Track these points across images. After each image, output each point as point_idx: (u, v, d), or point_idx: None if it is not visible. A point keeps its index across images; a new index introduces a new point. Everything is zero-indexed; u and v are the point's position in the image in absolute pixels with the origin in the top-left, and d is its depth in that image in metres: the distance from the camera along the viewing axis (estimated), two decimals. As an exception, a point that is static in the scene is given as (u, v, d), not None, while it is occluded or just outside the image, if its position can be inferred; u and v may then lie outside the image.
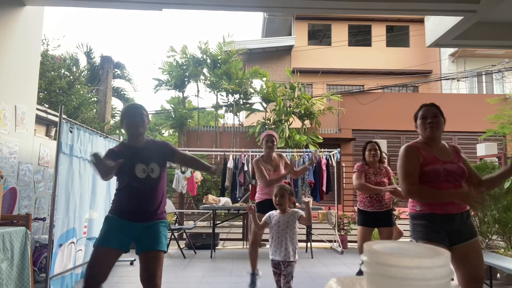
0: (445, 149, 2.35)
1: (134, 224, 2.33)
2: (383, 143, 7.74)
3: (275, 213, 2.99)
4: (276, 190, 2.97)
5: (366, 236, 3.88)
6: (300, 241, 6.68)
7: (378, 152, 3.94)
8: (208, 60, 12.59)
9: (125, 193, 2.38)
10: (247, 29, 72.78)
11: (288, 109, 11.48)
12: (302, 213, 2.95)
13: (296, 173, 3.87)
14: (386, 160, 4.12)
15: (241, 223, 7.32)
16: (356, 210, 4.13)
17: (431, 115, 2.32)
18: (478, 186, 2.31)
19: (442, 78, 14.89)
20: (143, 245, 2.31)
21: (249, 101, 12.58)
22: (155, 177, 2.37)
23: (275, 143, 3.83)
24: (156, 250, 2.30)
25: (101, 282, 2.22)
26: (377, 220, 3.86)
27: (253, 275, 3.70)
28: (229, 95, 12.34)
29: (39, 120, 7.01)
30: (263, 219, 3.04)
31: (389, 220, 3.86)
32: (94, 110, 12.03)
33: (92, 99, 12.19)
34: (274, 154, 3.90)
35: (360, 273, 3.96)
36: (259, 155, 6.91)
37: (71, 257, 3.94)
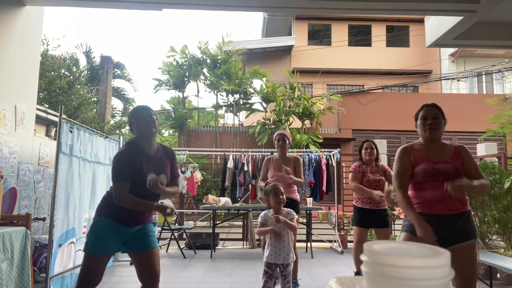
0: (443, 149, 2.33)
1: (128, 229, 2.32)
2: (383, 143, 7.73)
3: (269, 215, 2.93)
4: (272, 190, 2.91)
5: (362, 236, 3.91)
6: (300, 241, 6.70)
7: (375, 150, 3.97)
8: (208, 60, 12.59)
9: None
10: (247, 29, 72.79)
11: (288, 109, 11.48)
12: (295, 216, 2.95)
13: (299, 183, 3.79)
14: (381, 160, 4.14)
15: (241, 223, 7.31)
16: (353, 210, 4.14)
17: (432, 116, 2.30)
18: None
19: (442, 78, 14.89)
20: (138, 245, 2.32)
21: (249, 101, 12.59)
22: (162, 187, 2.31)
23: (287, 142, 3.81)
24: (155, 247, 2.37)
25: (95, 286, 2.25)
26: (373, 220, 3.87)
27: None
28: (229, 95, 12.35)
29: (39, 120, 7.01)
30: (260, 220, 2.96)
31: (385, 221, 3.87)
32: (94, 110, 12.03)
33: (92, 99, 12.19)
34: (290, 155, 3.86)
35: (357, 274, 3.97)
36: (259, 155, 6.94)
37: (70, 257, 3.94)
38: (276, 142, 3.84)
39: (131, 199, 2.22)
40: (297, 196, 3.82)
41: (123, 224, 2.28)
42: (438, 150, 2.32)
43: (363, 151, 4.01)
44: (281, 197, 2.89)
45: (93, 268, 2.20)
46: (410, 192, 2.34)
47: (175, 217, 6.97)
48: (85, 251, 2.25)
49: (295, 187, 3.83)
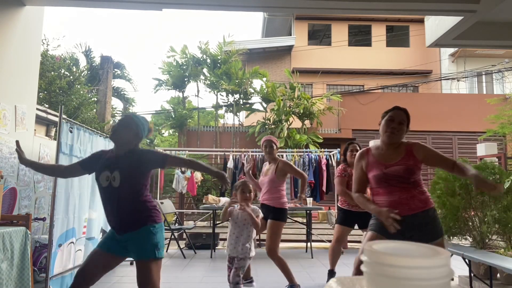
0: (397, 151, 2.33)
1: (123, 236, 2.29)
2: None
3: (236, 208, 3.04)
4: (241, 187, 3.01)
5: (343, 235, 3.95)
6: (300, 241, 6.70)
7: None
8: (208, 60, 12.59)
9: (103, 205, 2.38)
10: (247, 29, 72.79)
11: (288, 109, 11.48)
12: (260, 214, 3.03)
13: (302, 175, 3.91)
14: None
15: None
16: (337, 210, 4.18)
17: (398, 120, 2.30)
18: (453, 169, 2.28)
19: (442, 78, 14.88)
20: (133, 254, 2.31)
21: (249, 101, 12.58)
22: (116, 186, 2.24)
23: (274, 148, 3.81)
24: (144, 259, 2.23)
25: (89, 283, 2.22)
26: (358, 221, 3.89)
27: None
28: (229, 95, 12.34)
29: (39, 120, 7.01)
30: (228, 210, 3.08)
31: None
32: (94, 110, 12.03)
33: (92, 99, 12.18)
34: (277, 159, 3.86)
35: (330, 275, 4.00)
36: (259, 155, 6.94)
37: (70, 257, 3.94)
38: (263, 148, 3.86)
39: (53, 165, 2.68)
40: (279, 203, 3.71)
41: (116, 232, 2.33)
42: (392, 152, 2.32)
43: (348, 153, 4.03)
44: (247, 194, 2.97)
45: (88, 260, 2.27)
46: (373, 198, 2.39)
47: (175, 217, 6.98)
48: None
49: (280, 194, 3.76)
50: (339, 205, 4.07)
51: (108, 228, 2.60)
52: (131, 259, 5.03)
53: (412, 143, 2.36)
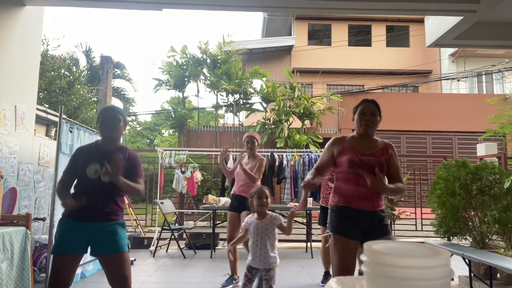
0: (373, 144, 2.39)
1: (86, 224, 2.25)
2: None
3: (252, 219, 2.85)
4: (257, 193, 2.85)
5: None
6: (300, 241, 6.70)
7: None
8: (208, 60, 12.59)
9: (76, 193, 2.32)
10: (247, 29, 72.79)
11: (288, 109, 11.48)
12: (282, 220, 2.84)
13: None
14: None
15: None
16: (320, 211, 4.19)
17: (370, 112, 2.37)
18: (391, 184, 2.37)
19: (442, 78, 14.89)
20: (101, 248, 2.25)
21: (249, 101, 12.58)
22: (106, 182, 2.24)
23: (256, 144, 4.01)
24: (118, 252, 2.24)
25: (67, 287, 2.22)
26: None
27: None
28: (229, 95, 12.34)
29: (39, 120, 7.01)
30: (243, 226, 2.90)
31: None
32: (94, 110, 12.03)
33: (92, 99, 12.19)
34: (256, 155, 4.04)
35: (326, 275, 4.01)
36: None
37: (71, 257, 3.94)
38: (245, 144, 4.04)
39: (58, 189, 2.34)
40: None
41: (77, 219, 2.26)
42: (368, 144, 2.39)
43: None
44: (264, 200, 2.80)
45: (57, 268, 2.19)
46: (336, 184, 2.40)
47: (175, 217, 6.98)
48: (51, 253, 2.28)
49: (251, 184, 3.90)
50: (323, 205, 4.05)
51: None
52: (132, 258, 5.06)
53: (389, 143, 2.44)
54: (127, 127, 2.61)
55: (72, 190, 2.39)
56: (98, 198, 2.28)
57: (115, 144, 2.41)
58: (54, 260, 2.21)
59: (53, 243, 2.28)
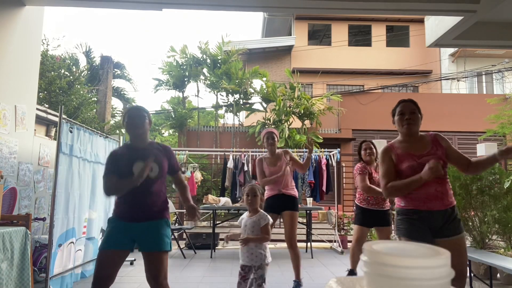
0: (422, 142, 2.34)
1: (134, 225, 2.32)
2: (383, 143, 7.73)
3: (245, 216, 2.91)
4: (247, 190, 2.90)
5: (363, 235, 3.93)
6: (300, 241, 6.68)
7: (374, 150, 3.98)
8: (208, 60, 12.59)
9: (124, 195, 2.37)
10: (247, 29, 72.78)
11: (288, 109, 11.48)
12: (269, 221, 2.84)
13: (303, 166, 3.84)
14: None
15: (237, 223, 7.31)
16: (355, 209, 4.14)
17: (409, 111, 2.34)
18: (468, 168, 2.29)
19: (442, 78, 14.88)
20: (145, 246, 2.31)
21: (249, 101, 12.58)
22: (154, 177, 2.36)
23: (276, 140, 3.81)
24: (158, 251, 2.30)
25: (108, 285, 2.26)
26: (376, 219, 3.88)
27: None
28: (229, 95, 12.34)
29: (39, 120, 7.01)
30: (238, 221, 2.97)
31: (387, 219, 3.89)
32: (94, 110, 12.03)
33: (92, 99, 12.18)
34: (278, 151, 3.88)
35: (350, 273, 4.00)
36: (259, 155, 6.94)
37: (70, 257, 3.94)
38: (265, 140, 3.83)
39: (113, 183, 2.32)
40: (296, 192, 3.85)
41: (123, 219, 2.34)
42: (419, 144, 2.34)
43: (362, 152, 4.01)
44: (249, 198, 2.84)
45: (101, 263, 2.26)
46: None
47: (175, 217, 6.98)
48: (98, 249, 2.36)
49: (293, 184, 3.90)
50: (357, 203, 4.00)
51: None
52: (131, 259, 5.06)
53: (433, 133, 2.39)
54: (150, 125, 2.67)
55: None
56: (148, 197, 2.35)
57: (145, 141, 2.46)
58: (99, 255, 2.29)
59: (102, 241, 2.34)
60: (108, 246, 2.28)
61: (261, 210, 2.90)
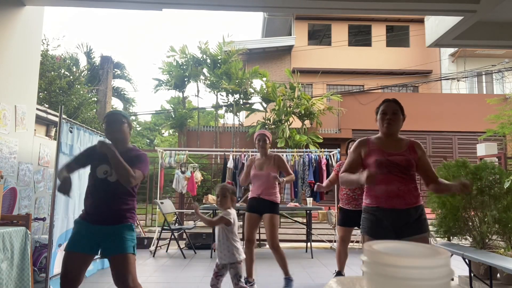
0: (399, 143, 2.38)
1: (97, 228, 2.32)
2: (383, 143, 7.73)
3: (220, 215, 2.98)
4: (217, 190, 2.97)
5: (346, 235, 3.98)
6: (300, 241, 6.70)
7: None
8: (208, 60, 12.59)
9: (88, 195, 2.40)
10: (247, 29, 72.78)
11: (288, 109, 11.48)
12: (224, 216, 2.91)
13: (290, 178, 3.87)
14: None
15: (241, 223, 7.31)
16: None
17: (391, 111, 2.36)
18: (431, 184, 2.34)
19: (442, 78, 14.88)
20: (108, 250, 2.31)
21: (249, 101, 12.59)
22: (113, 181, 2.33)
23: (268, 142, 3.84)
24: (121, 253, 2.28)
25: (76, 285, 2.27)
26: (357, 219, 3.91)
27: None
28: (229, 95, 12.35)
29: (39, 120, 7.01)
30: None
31: None
32: (94, 110, 12.03)
33: (92, 99, 12.19)
34: (272, 154, 3.91)
35: (338, 275, 4.02)
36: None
37: (71, 257, 3.94)
38: (256, 142, 3.87)
39: (61, 168, 2.40)
40: (276, 198, 3.81)
41: (89, 221, 2.34)
42: (394, 144, 2.37)
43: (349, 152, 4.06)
44: (219, 199, 2.94)
45: (66, 265, 2.28)
46: (367, 186, 2.39)
47: (175, 217, 6.98)
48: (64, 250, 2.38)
49: (276, 189, 3.85)
50: (341, 206, 4.13)
51: None
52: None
53: (413, 140, 2.42)
54: (130, 129, 2.63)
55: (72, 191, 2.40)
56: (109, 200, 2.34)
57: (123, 146, 2.45)
58: (64, 257, 2.31)
59: (67, 241, 2.36)
60: (73, 248, 2.30)
61: (231, 209, 2.96)
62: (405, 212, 2.23)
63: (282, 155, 7.07)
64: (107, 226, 2.32)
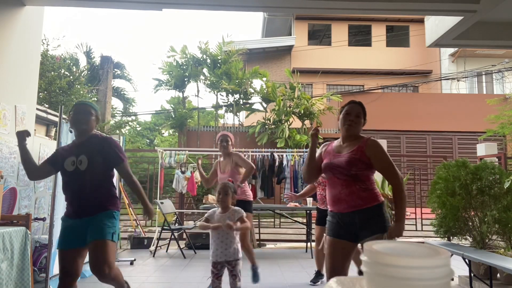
0: (353, 144, 2.33)
1: (81, 221, 2.34)
2: (383, 143, 7.73)
3: (217, 212, 2.94)
4: (219, 188, 2.95)
5: (320, 234, 3.98)
6: (300, 241, 6.69)
7: None
8: (208, 60, 12.59)
9: (64, 191, 2.43)
10: (247, 29, 72.83)
11: (288, 109, 11.48)
12: (243, 214, 2.89)
13: (243, 174, 3.91)
14: None
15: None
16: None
17: (355, 113, 2.36)
18: (393, 188, 2.26)
19: (442, 78, 14.89)
20: (87, 238, 2.31)
21: (249, 101, 12.59)
22: (83, 169, 2.32)
23: (230, 143, 3.92)
24: (99, 239, 2.27)
25: (75, 279, 2.32)
26: None
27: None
28: (229, 95, 12.35)
29: (39, 120, 7.01)
30: (206, 215, 2.98)
31: None
32: (94, 110, 12.00)
33: (92, 99, 12.19)
34: (231, 153, 3.96)
35: (317, 274, 4.03)
36: (259, 155, 6.94)
37: (71, 257, 3.94)
38: (219, 143, 3.94)
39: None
40: (246, 196, 3.87)
41: (70, 217, 2.38)
42: (347, 145, 2.36)
43: None
44: (220, 196, 2.90)
45: (61, 262, 2.31)
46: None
47: (175, 217, 6.97)
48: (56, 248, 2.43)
49: (245, 188, 3.91)
50: (317, 206, 4.14)
51: None
52: (131, 259, 5.06)
53: (367, 138, 2.32)
54: (97, 122, 2.58)
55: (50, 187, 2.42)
56: (85, 191, 2.34)
57: (87, 135, 2.45)
58: (58, 254, 2.35)
59: (58, 239, 2.41)
60: (63, 246, 2.33)
61: (232, 207, 2.95)
62: (352, 215, 2.20)
63: (282, 155, 7.10)
64: (89, 218, 2.33)
